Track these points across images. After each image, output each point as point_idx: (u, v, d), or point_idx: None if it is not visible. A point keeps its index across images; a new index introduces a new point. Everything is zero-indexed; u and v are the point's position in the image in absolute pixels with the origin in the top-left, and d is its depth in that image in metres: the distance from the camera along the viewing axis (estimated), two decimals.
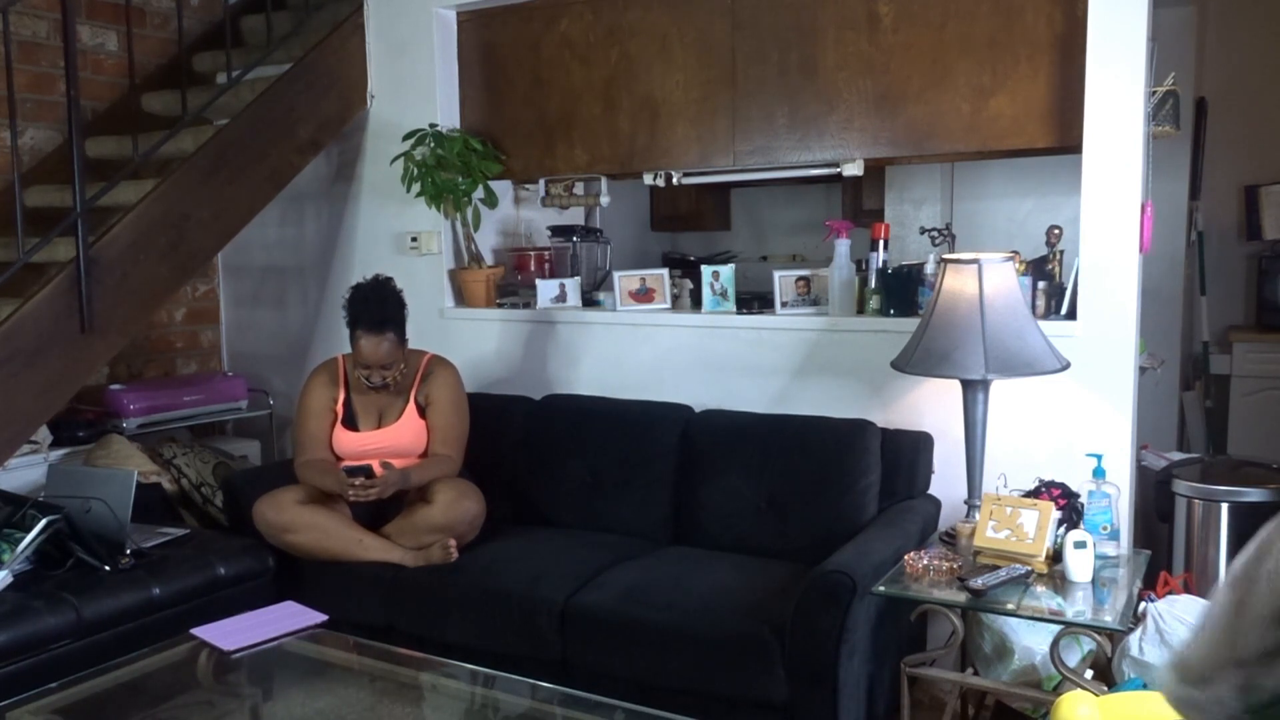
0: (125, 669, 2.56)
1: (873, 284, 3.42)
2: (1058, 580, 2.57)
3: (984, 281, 2.77)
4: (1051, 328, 2.99)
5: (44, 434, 3.67)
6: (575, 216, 4.54)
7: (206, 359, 4.73)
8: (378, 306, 3.28)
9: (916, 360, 2.86)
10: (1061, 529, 2.66)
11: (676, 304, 3.81)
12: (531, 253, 4.23)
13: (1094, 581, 2.56)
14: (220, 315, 4.79)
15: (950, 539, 2.88)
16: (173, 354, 4.60)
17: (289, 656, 2.68)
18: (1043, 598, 2.52)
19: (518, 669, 2.70)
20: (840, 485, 3.13)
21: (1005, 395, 3.07)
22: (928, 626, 3.11)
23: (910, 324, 3.07)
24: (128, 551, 3.05)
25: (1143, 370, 3.38)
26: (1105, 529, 2.73)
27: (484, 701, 2.73)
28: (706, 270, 3.69)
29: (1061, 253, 3.21)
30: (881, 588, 2.58)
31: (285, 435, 4.39)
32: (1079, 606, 2.49)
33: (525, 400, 3.78)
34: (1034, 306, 3.11)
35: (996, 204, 4.89)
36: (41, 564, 2.98)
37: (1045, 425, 3.11)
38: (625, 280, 3.78)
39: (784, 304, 3.53)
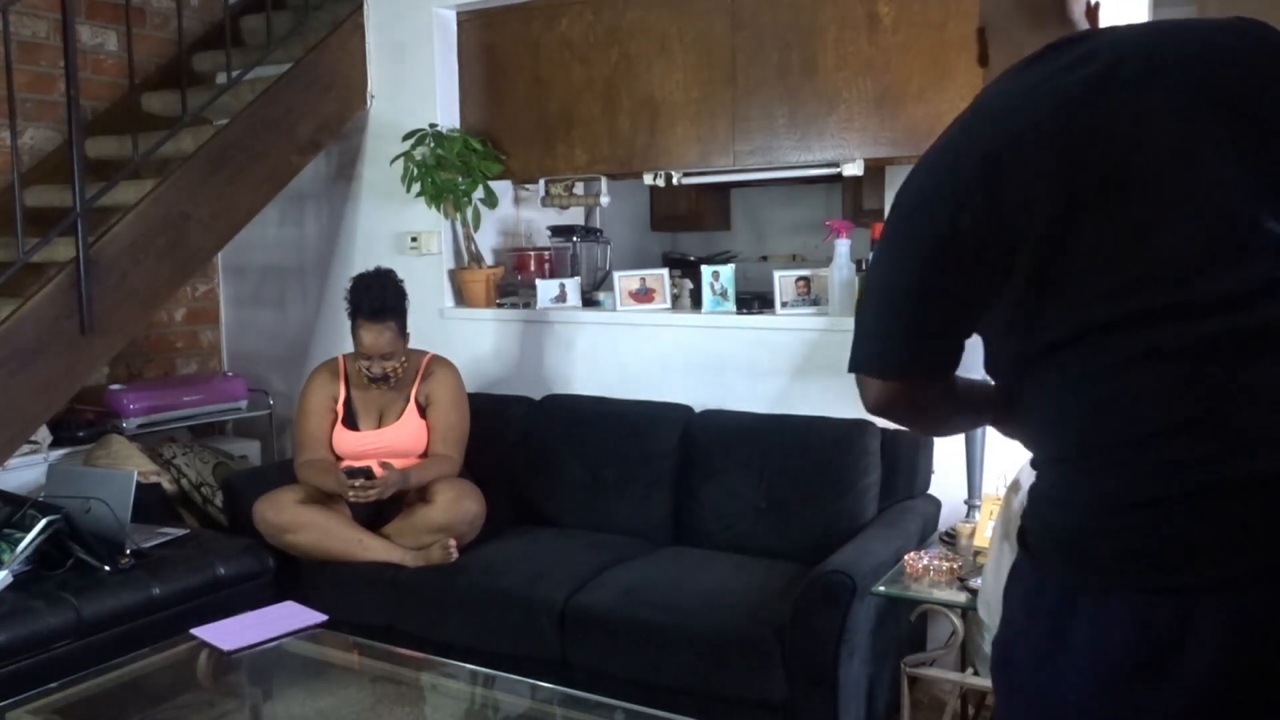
0: (125, 669, 2.56)
1: None
2: None
3: None
4: None
5: (44, 434, 3.67)
6: (575, 216, 4.54)
7: (206, 359, 4.73)
8: (379, 294, 3.31)
9: None
10: None
11: (676, 304, 3.80)
12: (531, 253, 4.23)
13: None
14: (220, 315, 4.79)
15: (950, 539, 2.89)
16: (173, 354, 4.60)
17: (289, 656, 2.68)
18: None
19: (518, 669, 2.70)
20: (840, 485, 3.13)
21: None
22: (928, 626, 3.11)
23: None
24: (128, 551, 3.05)
25: None
26: None
27: (484, 701, 2.73)
28: (706, 270, 3.69)
29: None
30: (881, 588, 2.58)
31: (285, 435, 4.39)
32: None
33: (525, 400, 3.78)
34: None
35: None
36: (41, 564, 2.97)
37: None
38: (625, 280, 3.78)
39: (784, 304, 3.53)
